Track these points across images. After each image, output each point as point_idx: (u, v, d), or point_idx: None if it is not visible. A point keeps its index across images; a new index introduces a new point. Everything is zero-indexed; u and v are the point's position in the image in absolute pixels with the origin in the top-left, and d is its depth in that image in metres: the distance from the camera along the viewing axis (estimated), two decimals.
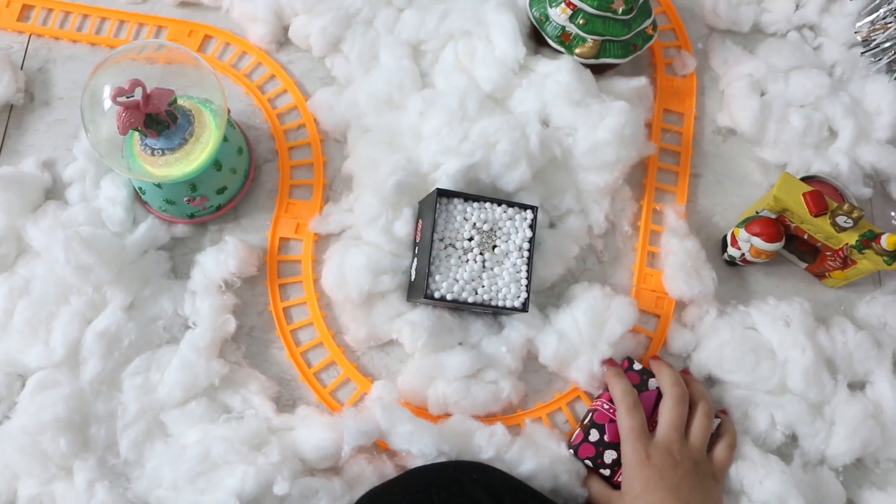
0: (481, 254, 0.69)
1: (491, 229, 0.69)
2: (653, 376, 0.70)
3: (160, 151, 0.68)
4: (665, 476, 0.63)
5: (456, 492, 0.60)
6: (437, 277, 0.67)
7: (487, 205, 0.70)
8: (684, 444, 0.66)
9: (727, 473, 0.68)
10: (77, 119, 0.76)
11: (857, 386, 0.74)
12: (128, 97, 0.62)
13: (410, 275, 0.72)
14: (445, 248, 0.69)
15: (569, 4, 0.76)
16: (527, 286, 0.68)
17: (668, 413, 0.67)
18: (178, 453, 0.66)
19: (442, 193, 0.69)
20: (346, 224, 0.76)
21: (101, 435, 0.67)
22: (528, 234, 0.69)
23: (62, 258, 0.67)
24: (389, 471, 0.67)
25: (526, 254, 0.69)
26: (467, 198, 0.70)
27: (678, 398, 0.67)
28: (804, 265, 0.80)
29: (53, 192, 0.77)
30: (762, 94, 0.85)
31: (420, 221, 0.72)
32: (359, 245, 0.73)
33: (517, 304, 0.68)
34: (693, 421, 0.67)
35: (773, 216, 0.74)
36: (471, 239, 0.69)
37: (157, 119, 0.65)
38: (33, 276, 0.71)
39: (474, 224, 0.69)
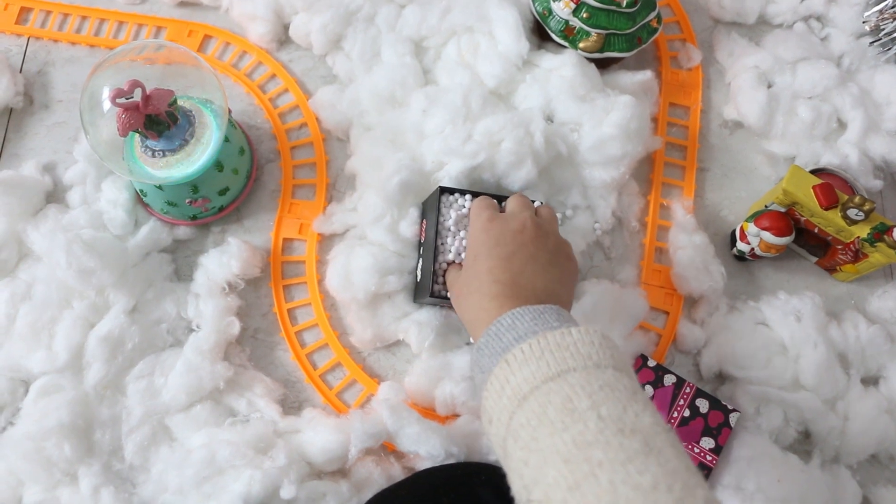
0: None
1: None
2: (668, 372, 0.69)
3: (161, 153, 0.67)
4: (501, 244, 0.57)
5: (465, 493, 0.60)
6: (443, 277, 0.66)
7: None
8: (533, 217, 0.60)
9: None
10: (77, 121, 0.76)
11: (870, 381, 0.73)
12: (127, 98, 0.62)
13: (416, 275, 0.71)
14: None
15: None
16: None
17: (512, 200, 0.63)
18: (183, 458, 0.65)
19: (444, 191, 0.68)
20: (350, 224, 0.75)
21: (106, 440, 0.67)
22: None
23: (64, 262, 0.67)
24: (397, 473, 0.66)
25: None
26: (473, 195, 0.69)
27: (518, 193, 0.64)
28: (814, 259, 0.79)
29: (54, 195, 0.77)
30: (769, 87, 0.83)
31: (424, 221, 0.71)
32: (363, 245, 0.73)
33: None
34: (539, 206, 0.64)
35: (783, 210, 0.73)
36: None
37: (158, 120, 0.65)
38: (35, 281, 0.71)
39: None
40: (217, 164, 0.71)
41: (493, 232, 0.58)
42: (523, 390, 0.45)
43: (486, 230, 0.58)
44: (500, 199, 0.67)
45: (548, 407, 0.43)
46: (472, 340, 0.70)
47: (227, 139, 0.71)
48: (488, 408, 0.47)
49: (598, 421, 0.41)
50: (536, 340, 0.47)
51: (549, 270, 0.57)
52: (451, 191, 0.68)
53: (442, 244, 0.66)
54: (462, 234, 0.66)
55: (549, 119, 0.77)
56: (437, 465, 0.64)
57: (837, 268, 0.77)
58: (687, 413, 0.68)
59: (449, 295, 0.64)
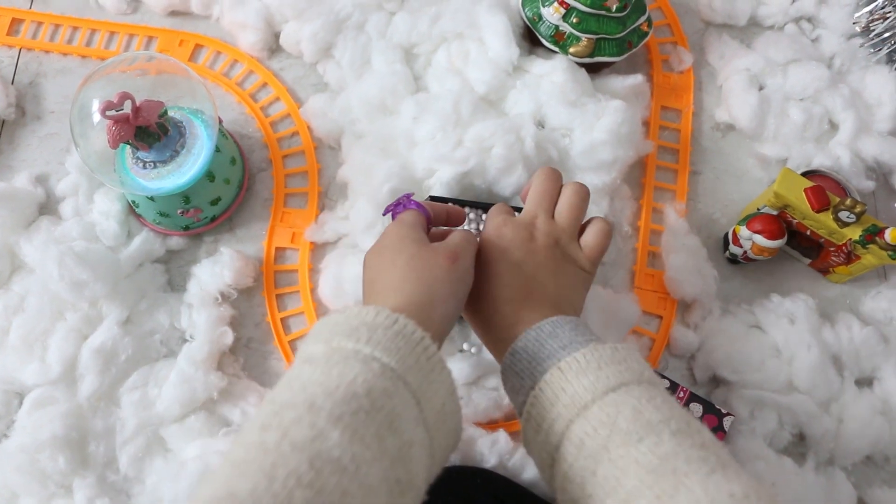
0: None
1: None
2: (662, 377, 0.69)
3: (152, 164, 0.68)
4: (511, 250, 0.56)
5: (460, 498, 0.59)
6: None
7: (480, 210, 0.69)
8: (547, 221, 0.59)
9: (597, 263, 0.60)
10: (69, 132, 0.76)
11: (864, 382, 0.73)
12: (117, 110, 0.62)
13: None
14: None
15: (562, 3, 0.75)
16: None
17: (533, 189, 0.61)
18: (177, 469, 0.66)
19: (434, 200, 0.68)
20: (342, 232, 0.75)
21: (101, 451, 0.67)
22: None
23: (56, 274, 0.67)
24: None
25: None
26: (463, 204, 0.69)
27: (546, 174, 0.61)
28: (807, 261, 0.79)
29: (47, 206, 0.77)
30: (760, 89, 0.83)
31: None
32: (355, 253, 0.73)
33: None
34: (561, 199, 0.60)
35: (775, 212, 0.73)
36: None
37: (148, 132, 0.65)
38: (28, 293, 0.71)
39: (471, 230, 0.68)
40: (208, 175, 0.71)
41: (504, 238, 0.58)
42: (584, 399, 0.45)
43: (498, 236, 0.58)
44: (487, 207, 0.67)
45: (618, 417, 0.43)
46: (465, 347, 0.70)
47: (218, 149, 0.71)
48: (535, 414, 0.48)
49: (671, 435, 0.42)
50: (590, 351, 0.47)
51: (559, 277, 0.57)
52: (441, 200, 0.68)
53: None
54: None
55: (541, 125, 0.77)
56: None
57: (831, 269, 0.77)
58: None
59: None
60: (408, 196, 0.60)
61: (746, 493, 0.38)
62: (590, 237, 0.60)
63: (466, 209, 0.69)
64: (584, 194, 0.60)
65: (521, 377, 0.50)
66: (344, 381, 0.40)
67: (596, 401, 0.45)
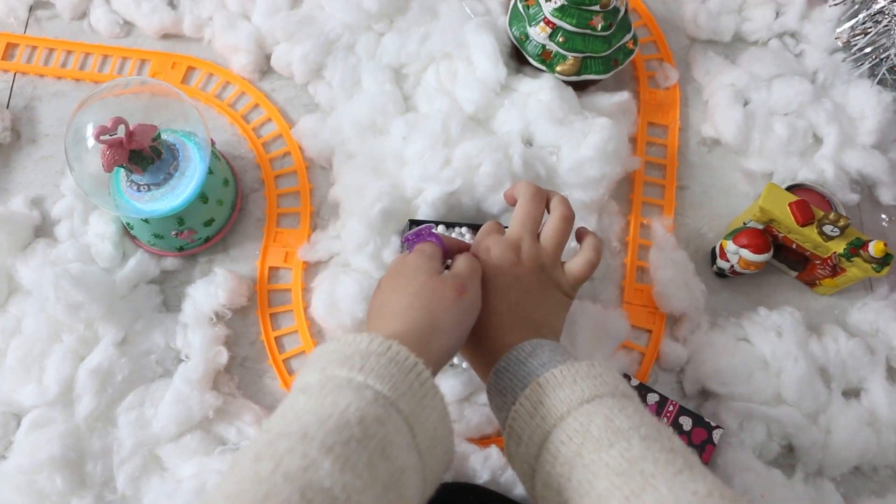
0: None
1: None
2: (651, 391, 0.70)
3: (146, 187, 0.68)
4: (498, 275, 0.58)
5: None
6: None
7: (464, 230, 0.70)
8: (533, 244, 0.60)
9: (578, 288, 0.62)
10: (64, 156, 0.77)
11: (851, 393, 0.74)
12: (111, 135, 0.63)
13: None
14: None
15: (548, 23, 0.76)
16: None
17: (518, 211, 0.62)
18: (174, 488, 0.66)
19: (413, 224, 0.69)
20: (335, 251, 0.76)
21: (98, 471, 0.68)
22: None
23: (52, 296, 0.68)
24: None
25: None
26: (450, 225, 0.70)
27: (531, 195, 0.62)
28: (794, 274, 0.80)
29: (43, 229, 0.78)
30: (745, 104, 0.85)
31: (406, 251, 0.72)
32: (348, 272, 0.73)
33: None
34: (547, 224, 0.62)
35: (761, 227, 0.74)
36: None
37: (142, 155, 0.66)
38: (25, 315, 0.72)
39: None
40: (202, 196, 0.72)
41: (491, 261, 0.59)
42: (560, 410, 0.47)
43: (486, 259, 0.59)
44: (475, 227, 0.68)
45: (590, 426, 0.46)
46: (455, 362, 0.71)
47: (210, 171, 0.72)
48: (517, 427, 0.50)
49: (640, 440, 0.44)
50: (566, 367, 0.50)
51: (542, 301, 0.59)
52: (420, 223, 0.69)
53: None
54: None
55: (529, 143, 0.78)
56: None
57: (817, 282, 0.78)
58: None
59: None
60: (429, 228, 0.62)
61: (710, 491, 0.40)
62: (576, 266, 0.61)
63: (464, 230, 0.70)
64: (570, 219, 0.62)
65: (503, 394, 0.52)
66: (337, 410, 0.41)
67: (571, 411, 0.47)
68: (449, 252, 0.62)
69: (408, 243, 0.61)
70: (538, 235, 0.62)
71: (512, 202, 0.64)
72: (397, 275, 0.57)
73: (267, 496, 0.36)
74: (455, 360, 0.71)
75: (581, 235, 0.64)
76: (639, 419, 0.46)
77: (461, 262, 0.58)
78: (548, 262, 0.60)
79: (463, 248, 0.64)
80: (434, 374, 0.50)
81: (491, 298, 0.57)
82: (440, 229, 0.70)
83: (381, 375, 0.44)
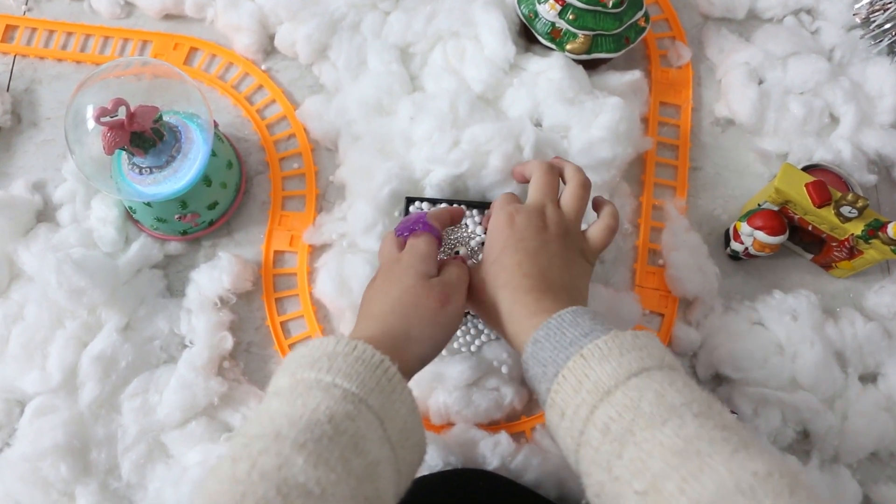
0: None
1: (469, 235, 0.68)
2: None
3: (148, 170, 0.67)
4: (526, 238, 0.58)
5: (462, 499, 0.59)
6: None
7: (475, 210, 0.69)
8: (557, 211, 0.60)
9: (599, 254, 0.62)
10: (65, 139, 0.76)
11: (868, 378, 0.72)
12: (112, 117, 0.62)
13: None
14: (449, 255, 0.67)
15: (558, 0, 0.74)
16: None
17: (535, 182, 0.62)
18: (179, 475, 0.66)
19: (411, 201, 0.69)
20: (340, 232, 0.75)
21: (102, 459, 0.67)
22: None
23: (54, 282, 0.67)
24: None
25: None
26: (457, 204, 0.68)
27: (546, 168, 0.62)
28: (810, 256, 0.78)
29: (45, 213, 0.77)
30: (760, 83, 0.83)
31: None
32: (355, 253, 0.72)
33: None
34: (566, 191, 0.62)
35: (776, 208, 0.73)
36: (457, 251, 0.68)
37: (143, 137, 0.65)
38: (27, 301, 0.71)
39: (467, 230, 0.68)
40: (205, 179, 0.70)
41: (517, 227, 0.59)
42: (607, 385, 0.46)
43: (511, 224, 0.59)
44: (474, 205, 0.68)
45: (641, 401, 0.44)
46: (456, 346, 0.69)
47: (214, 153, 0.71)
48: (560, 401, 0.49)
49: (693, 417, 0.42)
50: (611, 338, 0.48)
51: (571, 267, 0.59)
52: (418, 200, 0.70)
53: None
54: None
55: (538, 123, 0.76)
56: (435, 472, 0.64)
57: (833, 264, 0.77)
58: None
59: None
60: (421, 217, 0.61)
61: (769, 471, 0.38)
62: (596, 232, 0.61)
63: (465, 210, 0.69)
64: (588, 186, 0.63)
65: (543, 365, 0.51)
66: (308, 410, 0.43)
67: (619, 386, 0.45)
68: (441, 225, 0.62)
69: (401, 236, 0.60)
70: (558, 204, 0.62)
71: (521, 179, 0.65)
72: (389, 273, 0.58)
73: (244, 495, 0.37)
74: (455, 344, 0.70)
75: (598, 204, 0.64)
76: (689, 394, 0.44)
77: (451, 269, 0.58)
78: (572, 227, 0.60)
79: (454, 214, 0.64)
80: (409, 378, 0.52)
81: (523, 262, 0.57)
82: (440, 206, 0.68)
83: (348, 374, 0.46)
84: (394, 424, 0.46)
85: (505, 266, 0.57)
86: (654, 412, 0.43)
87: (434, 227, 0.60)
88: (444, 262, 0.60)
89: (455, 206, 0.66)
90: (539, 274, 0.56)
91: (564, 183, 0.63)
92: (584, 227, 0.62)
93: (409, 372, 0.53)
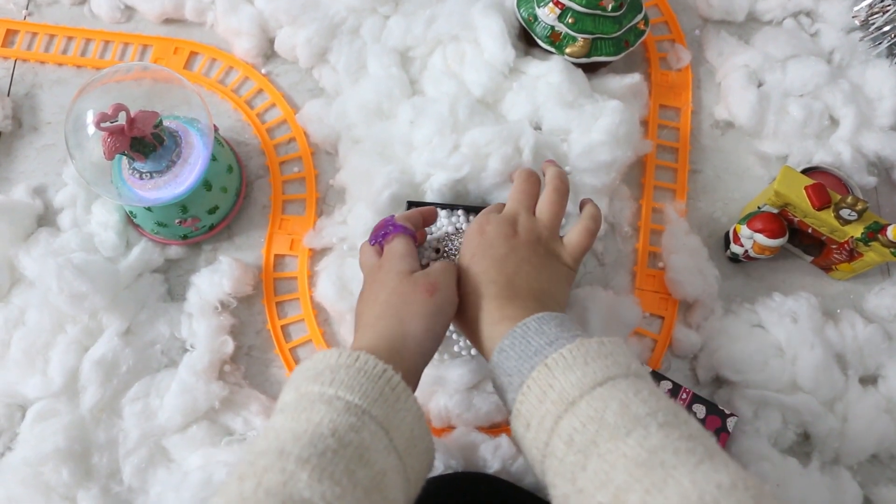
0: None
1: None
2: (664, 378, 0.69)
3: (148, 175, 0.67)
4: (494, 246, 0.58)
5: (463, 503, 0.60)
6: None
7: (460, 212, 0.69)
8: (529, 218, 0.61)
9: (580, 259, 0.62)
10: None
11: (868, 381, 0.72)
12: (112, 122, 0.62)
13: None
14: (437, 257, 0.67)
15: (557, 4, 0.74)
16: None
17: (512, 190, 0.63)
18: (181, 479, 0.66)
19: (412, 205, 0.69)
20: (341, 236, 0.75)
21: (104, 463, 0.67)
22: None
23: (55, 287, 0.67)
24: None
25: None
26: (455, 208, 0.69)
27: (526, 175, 0.64)
28: (810, 258, 0.78)
29: (45, 218, 0.77)
30: (760, 85, 0.83)
31: None
32: (356, 256, 0.72)
33: None
34: (541, 197, 0.63)
35: (776, 211, 0.73)
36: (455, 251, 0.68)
37: (144, 142, 0.65)
38: (28, 306, 0.71)
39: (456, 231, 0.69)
40: (205, 184, 0.71)
41: (487, 235, 0.59)
42: (571, 395, 0.45)
43: (481, 233, 0.60)
44: (474, 209, 0.68)
45: (605, 412, 0.44)
46: (457, 349, 0.69)
47: (214, 158, 0.71)
48: (525, 412, 0.48)
49: (658, 427, 0.42)
50: (576, 346, 0.48)
51: (541, 272, 0.58)
52: (419, 204, 0.69)
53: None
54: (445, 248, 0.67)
55: (538, 127, 0.76)
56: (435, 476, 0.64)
57: (833, 267, 0.77)
58: None
59: None
60: (389, 220, 0.61)
61: (734, 483, 0.38)
62: (574, 236, 0.61)
63: (460, 212, 0.69)
64: (564, 191, 0.63)
65: (509, 375, 0.51)
66: (311, 425, 0.43)
67: (584, 396, 0.45)
68: (416, 227, 0.62)
69: (376, 243, 0.61)
70: (534, 212, 0.62)
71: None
72: (373, 280, 0.58)
73: None
74: (456, 347, 0.70)
75: (581, 205, 0.64)
76: (655, 403, 0.44)
77: (434, 264, 0.59)
78: (545, 233, 0.60)
79: (426, 214, 0.64)
80: (416, 376, 0.53)
81: (488, 269, 0.57)
82: (442, 213, 0.68)
83: (350, 386, 0.46)
84: (400, 433, 0.46)
85: (473, 273, 0.58)
86: (619, 423, 0.43)
87: (406, 226, 0.60)
88: (428, 264, 0.61)
89: (427, 207, 0.66)
90: (505, 281, 0.56)
91: None
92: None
93: (415, 371, 0.53)
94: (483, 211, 0.63)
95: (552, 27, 0.76)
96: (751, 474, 0.40)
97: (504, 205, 0.64)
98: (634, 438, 0.42)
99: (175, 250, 0.75)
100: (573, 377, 0.46)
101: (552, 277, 0.59)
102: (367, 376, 0.47)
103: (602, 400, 0.44)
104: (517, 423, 0.49)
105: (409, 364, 0.51)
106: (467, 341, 0.69)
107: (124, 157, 0.67)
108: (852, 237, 0.70)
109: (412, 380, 0.52)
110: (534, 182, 0.63)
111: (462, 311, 0.57)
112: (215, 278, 0.72)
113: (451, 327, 0.70)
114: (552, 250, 0.60)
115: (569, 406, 0.45)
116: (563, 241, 0.61)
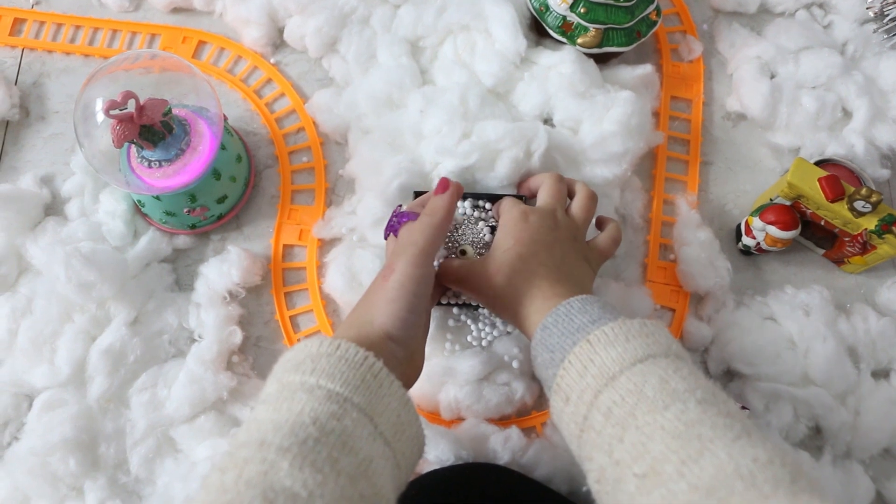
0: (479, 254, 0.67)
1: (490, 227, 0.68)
2: None
3: (157, 163, 0.67)
4: (541, 233, 0.59)
5: (475, 493, 0.59)
6: None
7: (484, 201, 0.69)
8: (565, 215, 0.63)
9: (602, 264, 0.64)
10: (74, 132, 0.76)
11: (881, 374, 0.72)
12: (121, 109, 0.61)
13: None
14: (445, 245, 0.67)
15: None
16: None
17: (546, 189, 0.64)
18: (188, 469, 0.65)
19: (418, 195, 0.68)
20: (350, 227, 0.74)
21: (111, 453, 0.67)
22: None
23: (63, 276, 0.67)
24: None
25: None
26: (465, 196, 0.68)
27: (556, 178, 0.65)
28: (822, 251, 0.78)
29: (53, 207, 0.77)
30: (772, 77, 0.82)
31: None
32: (365, 247, 0.72)
33: None
34: (575, 201, 0.65)
35: (788, 203, 0.72)
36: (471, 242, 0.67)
37: (153, 130, 0.64)
38: (35, 295, 0.71)
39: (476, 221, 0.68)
40: (214, 173, 0.70)
41: (531, 223, 0.60)
42: (612, 370, 0.46)
43: (525, 220, 0.60)
44: (483, 197, 0.68)
45: (644, 386, 0.44)
46: (470, 339, 0.69)
47: (223, 147, 0.71)
48: (565, 386, 0.49)
49: (697, 403, 0.43)
50: (618, 325, 0.48)
51: (578, 266, 0.60)
52: (426, 193, 0.68)
53: None
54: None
55: (549, 117, 0.76)
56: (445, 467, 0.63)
57: (845, 260, 0.76)
58: None
59: (451, 283, 0.63)
60: (395, 212, 0.62)
61: (771, 459, 0.38)
62: (603, 241, 0.64)
63: (467, 202, 0.68)
64: (595, 198, 0.65)
65: (551, 351, 0.51)
66: (292, 414, 0.43)
67: (624, 371, 0.46)
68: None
69: (391, 233, 0.61)
70: (567, 211, 0.64)
71: (528, 192, 0.68)
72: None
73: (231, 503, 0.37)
74: (472, 340, 0.69)
75: (602, 221, 0.67)
76: (694, 381, 0.45)
77: (401, 232, 0.59)
78: (579, 234, 0.62)
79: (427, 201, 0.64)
80: (405, 363, 0.53)
81: (539, 252, 0.58)
82: (467, 202, 0.68)
83: (331, 374, 0.46)
84: (385, 419, 0.46)
85: (521, 256, 0.58)
86: (657, 397, 0.44)
87: (414, 214, 0.60)
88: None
89: (484, 210, 0.68)
90: (556, 265, 0.58)
91: (570, 197, 0.66)
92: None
93: (401, 358, 0.52)
94: (509, 201, 0.63)
95: (564, 17, 0.76)
96: (790, 451, 0.40)
97: (519, 198, 0.65)
98: (672, 412, 0.42)
99: (183, 240, 0.75)
100: (614, 353, 0.47)
101: (584, 274, 0.60)
102: (348, 364, 0.47)
103: (642, 375, 0.45)
104: (556, 398, 0.50)
105: (385, 351, 0.51)
106: (480, 332, 0.69)
107: (133, 146, 0.67)
108: (866, 229, 0.69)
109: (399, 366, 0.51)
110: (564, 186, 0.65)
111: (506, 291, 0.58)
112: (224, 268, 0.71)
113: (465, 314, 0.69)
114: (582, 249, 0.62)
115: (609, 380, 0.46)
116: (590, 246, 0.63)
